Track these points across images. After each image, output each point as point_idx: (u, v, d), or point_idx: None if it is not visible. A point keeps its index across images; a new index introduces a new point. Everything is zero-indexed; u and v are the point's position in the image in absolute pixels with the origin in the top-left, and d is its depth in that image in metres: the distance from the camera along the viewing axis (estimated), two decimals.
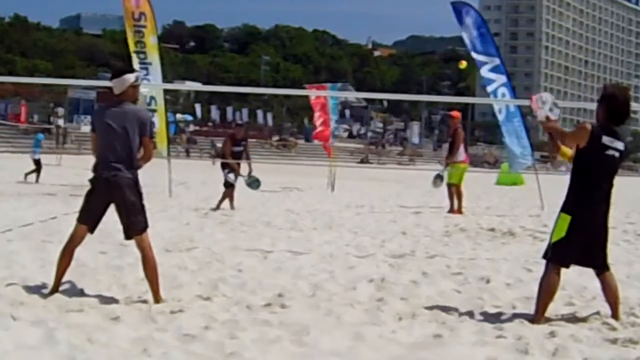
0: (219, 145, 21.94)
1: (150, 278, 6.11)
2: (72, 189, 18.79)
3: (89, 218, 6.19)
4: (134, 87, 6.19)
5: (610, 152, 5.59)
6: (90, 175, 6.21)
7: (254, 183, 15.58)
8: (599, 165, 5.55)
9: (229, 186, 14.56)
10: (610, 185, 5.65)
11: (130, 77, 6.17)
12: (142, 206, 6.13)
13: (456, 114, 15.80)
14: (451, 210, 15.09)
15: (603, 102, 5.71)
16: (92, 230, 6.26)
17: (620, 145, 5.65)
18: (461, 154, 15.40)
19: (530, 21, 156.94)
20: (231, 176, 14.60)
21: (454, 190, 15.20)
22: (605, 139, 5.58)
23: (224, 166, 14.82)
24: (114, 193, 6.04)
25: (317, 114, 24.82)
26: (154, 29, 17.72)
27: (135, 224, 6.10)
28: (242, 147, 14.89)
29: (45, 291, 6.20)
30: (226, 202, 14.49)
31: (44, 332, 4.93)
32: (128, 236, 6.17)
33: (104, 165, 6.06)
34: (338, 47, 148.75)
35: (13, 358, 4.43)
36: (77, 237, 6.24)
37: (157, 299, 6.06)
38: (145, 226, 6.15)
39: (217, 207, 14.27)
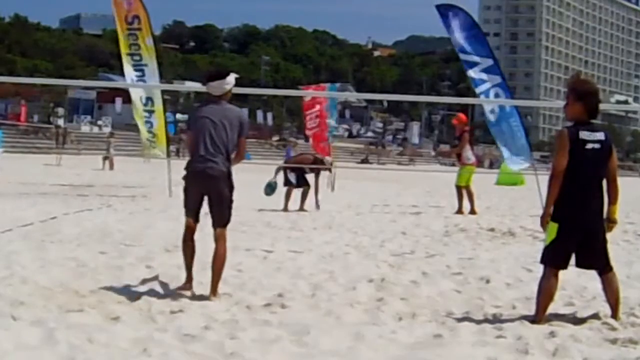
0: None
1: (215, 271, 6.33)
2: (72, 189, 18.81)
3: (192, 210, 6.46)
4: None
5: (590, 145, 5.55)
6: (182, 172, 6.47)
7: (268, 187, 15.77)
8: (582, 162, 5.51)
9: (299, 185, 15.31)
10: (600, 179, 5.62)
11: (231, 81, 6.44)
12: (232, 201, 6.38)
13: (459, 118, 15.80)
14: (458, 212, 15.07)
15: (580, 100, 5.67)
16: (196, 220, 6.49)
17: (599, 135, 5.61)
18: (470, 157, 15.44)
19: (530, 21, 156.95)
20: (293, 179, 15.38)
21: (465, 192, 15.20)
22: (583, 134, 5.56)
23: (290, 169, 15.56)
24: (209, 184, 6.28)
25: (313, 114, 24.76)
26: (149, 31, 17.70)
27: (222, 217, 6.36)
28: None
29: (46, 291, 6.20)
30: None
31: (44, 332, 4.93)
32: (215, 225, 6.42)
33: (200, 159, 6.26)
34: (338, 47, 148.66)
35: (13, 358, 4.43)
36: (189, 229, 6.52)
37: (214, 292, 6.29)
38: (229, 221, 6.42)
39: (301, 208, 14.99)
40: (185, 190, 6.46)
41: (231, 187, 6.36)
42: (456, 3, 16.98)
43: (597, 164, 5.59)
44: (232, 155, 6.42)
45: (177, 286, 6.64)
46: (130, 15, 17.54)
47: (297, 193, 15.29)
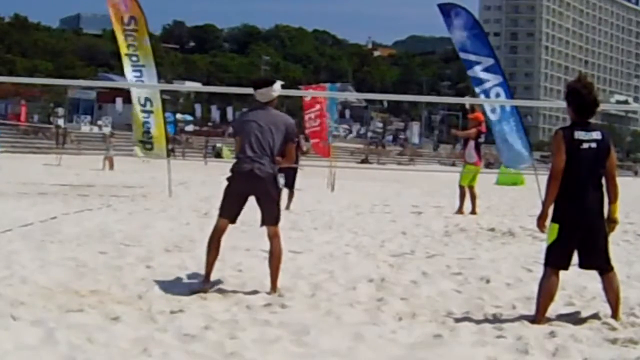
0: (219, 145, 22.33)
1: (272, 268, 6.59)
2: (72, 189, 18.80)
3: (230, 211, 6.61)
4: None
5: (586, 145, 5.55)
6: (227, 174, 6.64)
7: None
8: (578, 162, 5.51)
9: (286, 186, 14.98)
10: (598, 178, 5.60)
11: (278, 88, 6.72)
12: (279, 200, 6.65)
13: (476, 115, 15.82)
14: (459, 211, 15.04)
15: (568, 100, 5.69)
16: (233, 221, 6.68)
17: (596, 134, 5.61)
18: (473, 156, 15.37)
19: (530, 21, 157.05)
20: (281, 180, 14.90)
21: (468, 192, 15.15)
22: (578, 134, 5.56)
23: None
24: (256, 185, 6.48)
25: (313, 115, 24.80)
26: (145, 32, 17.70)
27: (272, 215, 6.60)
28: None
29: (46, 291, 6.20)
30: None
31: (44, 332, 4.93)
32: (264, 224, 6.65)
33: (247, 160, 6.48)
34: (338, 47, 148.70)
35: (13, 358, 4.43)
36: (219, 229, 6.65)
37: (274, 289, 6.50)
38: (279, 218, 6.66)
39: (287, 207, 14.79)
40: (227, 190, 6.61)
41: (277, 188, 6.62)
42: (457, 2, 16.96)
43: (594, 163, 5.59)
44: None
45: (175, 286, 6.65)
46: (126, 17, 17.53)
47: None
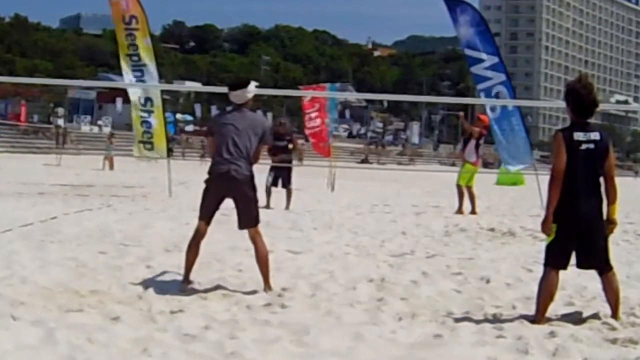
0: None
1: (261, 267, 6.63)
2: (72, 189, 18.80)
3: (207, 214, 6.63)
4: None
5: (585, 146, 5.55)
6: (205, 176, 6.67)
7: None
8: (577, 163, 5.51)
9: (267, 188, 14.88)
10: (596, 178, 5.60)
11: (252, 89, 6.71)
12: (256, 201, 6.63)
13: (482, 116, 15.86)
14: (458, 211, 15.04)
15: (567, 100, 5.70)
16: (209, 222, 6.66)
17: (594, 135, 5.61)
18: (472, 155, 15.36)
19: (530, 21, 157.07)
20: (269, 179, 15.10)
21: (466, 192, 15.14)
22: (577, 135, 5.57)
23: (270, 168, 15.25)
24: (232, 187, 6.49)
25: (313, 114, 24.81)
26: (146, 31, 17.69)
27: (250, 216, 6.59)
28: (285, 141, 15.34)
29: (46, 291, 6.20)
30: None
31: (44, 332, 4.93)
32: (242, 227, 6.65)
33: (224, 162, 6.49)
34: (338, 47, 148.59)
35: (13, 358, 4.44)
36: (201, 233, 6.67)
37: (268, 287, 6.58)
38: (258, 219, 6.65)
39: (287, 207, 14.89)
40: (205, 192, 6.62)
41: (254, 189, 6.61)
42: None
43: (592, 164, 5.59)
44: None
45: (175, 286, 6.65)
46: (127, 16, 17.53)
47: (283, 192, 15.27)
